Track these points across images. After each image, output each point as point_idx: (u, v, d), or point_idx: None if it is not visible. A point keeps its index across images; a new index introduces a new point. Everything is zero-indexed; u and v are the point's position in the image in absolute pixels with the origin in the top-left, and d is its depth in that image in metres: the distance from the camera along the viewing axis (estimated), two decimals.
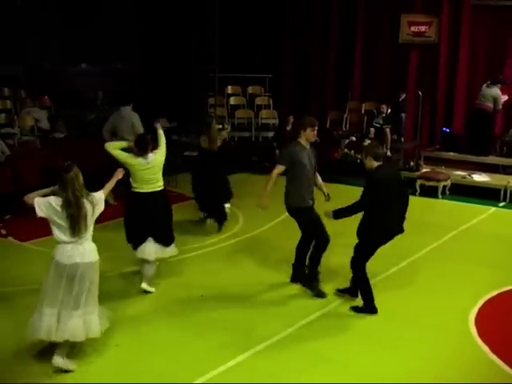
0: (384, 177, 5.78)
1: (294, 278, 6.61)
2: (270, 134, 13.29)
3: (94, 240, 4.98)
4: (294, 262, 6.62)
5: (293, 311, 5.99)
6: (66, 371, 4.77)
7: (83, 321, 4.82)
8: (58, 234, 4.76)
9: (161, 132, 6.74)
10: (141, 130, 9.07)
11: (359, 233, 5.88)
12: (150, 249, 6.35)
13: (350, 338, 5.50)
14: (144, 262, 6.40)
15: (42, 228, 8.28)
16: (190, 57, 13.30)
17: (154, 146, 6.51)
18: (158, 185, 6.44)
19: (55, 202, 4.70)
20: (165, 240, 6.45)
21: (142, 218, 6.32)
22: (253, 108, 14.05)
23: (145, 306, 6.09)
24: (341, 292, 6.31)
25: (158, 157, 6.44)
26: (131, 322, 5.71)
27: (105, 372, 4.84)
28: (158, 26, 13.95)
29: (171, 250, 6.58)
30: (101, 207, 4.93)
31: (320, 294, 6.28)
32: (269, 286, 6.56)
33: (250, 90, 14.49)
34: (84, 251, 4.82)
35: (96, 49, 13.35)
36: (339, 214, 5.91)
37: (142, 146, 6.33)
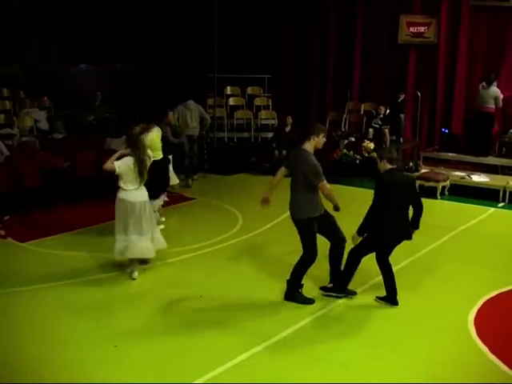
0: (391, 180, 5.84)
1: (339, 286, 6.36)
2: (270, 135, 13.29)
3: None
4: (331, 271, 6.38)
5: (292, 311, 5.98)
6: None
7: (151, 241, 6.68)
8: (128, 183, 6.50)
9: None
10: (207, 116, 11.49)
11: (370, 230, 5.98)
12: None
13: (349, 338, 5.49)
14: None
15: (41, 228, 8.34)
16: (188, 57, 13.28)
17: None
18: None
19: (130, 161, 6.44)
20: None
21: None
22: (252, 109, 14.06)
23: (144, 306, 6.07)
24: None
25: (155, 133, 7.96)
26: (130, 323, 5.70)
27: (105, 372, 4.83)
28: (156, 27, 13.93)
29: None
30: (151, 161, 6.71)
31: (307, 301, 6.16)
32: (268, 287, 6.54)
33: (249, 90, 14.49)
34: (143, 193, 6.63)
35: (95, 49, 13.33)
36: (362, 231, 6.00)
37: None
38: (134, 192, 6.55)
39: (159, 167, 7.69)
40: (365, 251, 6.09)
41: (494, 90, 11.41)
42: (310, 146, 6.01)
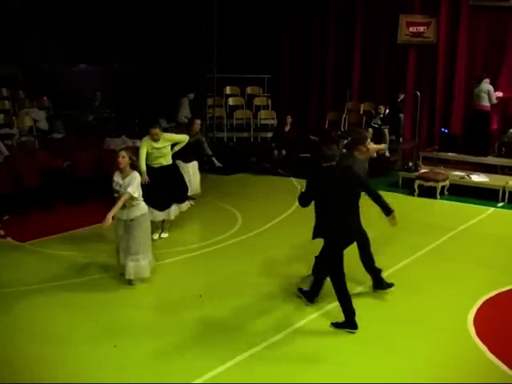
0: (323, 178, 5.59)
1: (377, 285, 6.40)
2: (269, 135, 13.29)
3: None
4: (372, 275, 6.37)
5: (292, 311, 5.97)
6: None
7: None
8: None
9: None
10: None
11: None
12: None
13: (349, 338, 5.48)
14: None
15: (41, 228, 8.33)
16: (188, 57, 13.28)
17: None
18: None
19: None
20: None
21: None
22: (251, 108, 14.06)
23: (143, 306, 6.08)
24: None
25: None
26: (130, 323, 5.70)
27: (104, 372, 4.82)
28: (156, 27, 13.94)
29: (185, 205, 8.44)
30: None
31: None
32: (268, 287, 6.54)
33: (249, 90, 14.50)
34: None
35: (94, 49, 13.34)
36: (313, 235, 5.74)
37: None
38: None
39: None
40: (333, 263, 5.67)
41: (485, 86, 11.42)
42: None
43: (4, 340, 5.30)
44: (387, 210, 5.76)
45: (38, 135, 11.51)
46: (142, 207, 6.36)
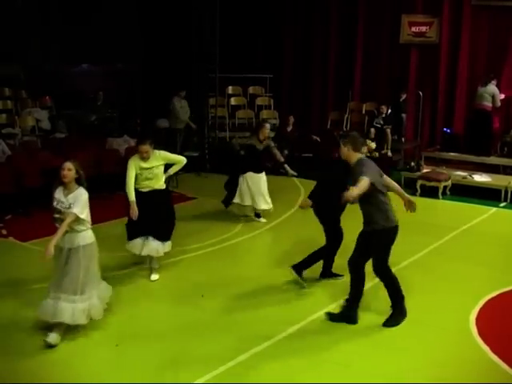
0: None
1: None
2: (271, 135, 13.26)
3: None
4: None
5: (293, 311, 5.97)
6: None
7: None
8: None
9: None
10: None
11: None
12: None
13: (350, 338, 5.47)
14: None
15: (43, 228, 8.33)
16: (190, 57, 13.28)
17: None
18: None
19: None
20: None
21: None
22: (253, 108, 14.05)
23: (145, 306, 6.07)
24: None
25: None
26: (131, 322, 5.70)
27: (105, 372, 4.83)
28: (158, 27, 13.94)
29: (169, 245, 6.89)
30: None
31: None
32: (269, 287, 6.54)
33: (251, 90, 14.49)
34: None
35: (97, 49, 13.34)
36: None
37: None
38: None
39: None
40: None
41: (492, 88, 11.40)
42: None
43: (4, 340, 5.30)
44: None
45: (41, 135, 11.51)
46: (89, 236, 5.28)
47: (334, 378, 4.80)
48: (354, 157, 5.57)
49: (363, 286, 5.80)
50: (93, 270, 5.37)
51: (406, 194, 5.94)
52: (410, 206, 5.84)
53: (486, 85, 11.43)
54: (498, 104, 11.44)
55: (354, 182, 5.27)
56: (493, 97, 11.34)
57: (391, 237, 5.57)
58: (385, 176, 5.80)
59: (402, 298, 5.80)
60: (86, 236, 5.26)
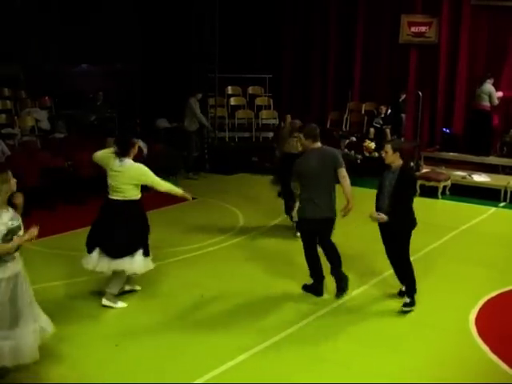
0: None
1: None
2: (271, 135, 13.27)
3: None
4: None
5: (294, 311, 5.97)
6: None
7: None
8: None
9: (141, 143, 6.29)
10: None
11: None
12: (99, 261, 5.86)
13: (350, 338, 5.48)
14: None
15: (41, 228, 8.31)
16: (190, 57, 13.28)
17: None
18: (124, 195, 5.79)
19: None
20: (114, 252, 5.80)
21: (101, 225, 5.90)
22: (253, 108, 14.03)
23: (144, 306, 6.07)
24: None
25: (133, 169, 5.74)
26: (130, 322, 5.70)
27: (105, 372, 4.83)
28: (158, 27, 13.93)
29: (121, 263, 5.82)
30: None
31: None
32: (269, 286, 6.54)
33: (250, 90, 14.48)
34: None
35: (96, 49, 13.33)
36: None
37: (121, 147, 5.76)
38: None
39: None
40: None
41: (487, 87, 11.39)
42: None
43: None
44: None
45: (40, 135, 11.50)
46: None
47: (334, 378, 4.79)
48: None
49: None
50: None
51: None
52: None
53: (482, 84, 11.44)
54: (496, 102, 11.43)
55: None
56: (489, 96, 11.34)
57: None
58: None
59: None
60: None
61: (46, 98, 12.62)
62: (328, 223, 6.15)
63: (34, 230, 4.51)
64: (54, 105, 12.65)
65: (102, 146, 10.44)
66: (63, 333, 5.37)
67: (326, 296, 6.30)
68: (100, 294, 6.16)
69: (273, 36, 14.71)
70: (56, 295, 6.24)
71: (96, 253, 5.86)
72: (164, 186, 5.89)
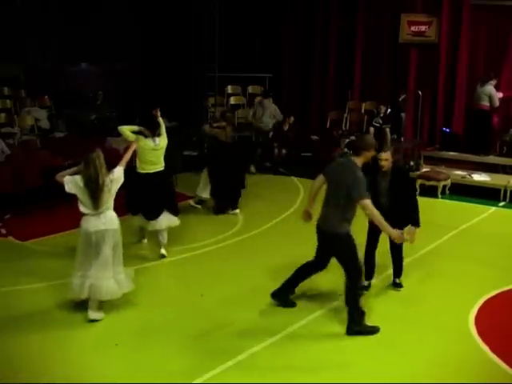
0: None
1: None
2: (270, 134, 13.25)
3: None
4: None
5: (292, 311, 5.96)
6: (98, 320, 5.57)
7: (114, 280, 5.62)
8: (82, 207, 5.54)
9: (161, 120, 7.30)
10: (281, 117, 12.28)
11: None
12: (163, 221, 7.19)
13: (350, 338, 5.46)
14: (158, 232, 7.21)
15: (42, 227, 8.32)
16: (189, 56, 13.27)
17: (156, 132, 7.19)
18: (161, 165, 7.21)
19: (79, 179, 5.45)
20: (174, 210, 7.31)
21: (151, 195, 7.04)
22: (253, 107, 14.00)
23: (144, 305, 6.05)
24: None
25: (162, 141, 7.16)
26: (130, 321, 5.69)
27: (105, 370, 4.82)
28: (157, 26, 13.91)
29: (176, 220, 7.38)
30: (119, 181, 5.66)
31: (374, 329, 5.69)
32: (268, 286, 6.47)
33: (250, 89, 14.46)
34: (106, 220, 5.54)
35: (96, 48, 13.32)
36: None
37: (152, 128, 7.05)
38: (92, 219, 5.54)
39: (148, 182, 7.17)
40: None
41: (488, 88, 11.37)
42: (359, 161, 5.46)
43: (4, 339, 5.29)
44: None
45: (40, 134, 11.49)
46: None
47: (334, 379, 4.79)
48: None
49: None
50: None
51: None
52: None
53: (483, 85, 11.41)
54: (496, 104, 11.41)
55: None
56: (490, 97, 11.33)
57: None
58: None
59: None
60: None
61: (46, 97, 12.60)
62: None
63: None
64: (54, 104, 12.64)
65: (102, 146, 10.54)
66: (62, 332, 5.42)
67: (324, 295, 6.28)
68: None
69: (273, 35, 14.68)
70: (56, 295, 6.19)
71: (163, 215, 7.18)
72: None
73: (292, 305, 6.04)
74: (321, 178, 5.75)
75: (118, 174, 5.68)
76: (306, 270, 6.00)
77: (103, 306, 5.72)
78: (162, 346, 5.22)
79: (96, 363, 4.95)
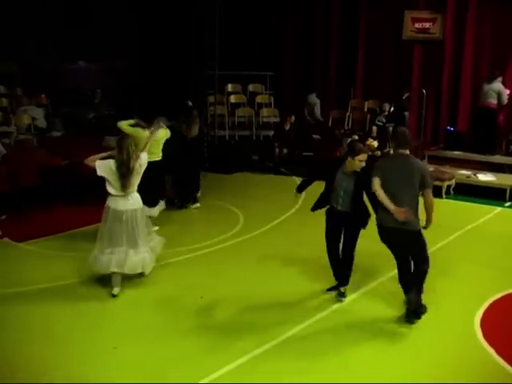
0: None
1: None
2: (271, 133, 13.16)
3: None
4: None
5: (295, 313, 5.89)
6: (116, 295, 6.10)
7: (140, 258, 6.16)
8: (111, 189, 6.04)
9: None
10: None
11: None
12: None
13: (351, 338, 5.41)
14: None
15: (38, 228, 8.25)
16: (189, 54, 13.18)
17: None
18: (158, 155, 7.88)
19: (113, 164, 5.97)
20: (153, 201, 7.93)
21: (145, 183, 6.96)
22: (253, 106, 13.94)
23: (144, 307, 6.00)
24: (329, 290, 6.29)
25: (162, 132, 7.82)
26: (130, 324, 5.63)
27: (104, 374, 4.75)
28: (157, 24, 13.86)
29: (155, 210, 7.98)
30: (144, 166, 6.18)
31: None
32: (269, 287, 6.46)
33: (251, 87, 14.40)
34: (133, 201, 6.12)
35: (94, 46, 13.24)
36: None
37: (149, 120, 7.58)
38: (120, 199, 6.08)
39: (154, 170, 7.33)
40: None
41: (497, 85, 11.25)
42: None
43: (3, 340, 5.25)
44: None
45: (36, 133, 11.43)
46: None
47: (335, 379, 4.75)
48: None
49: None
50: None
51: None
52: None
53: (491, 82, 11.28)
54: (505, 101, 11.29)
55: None
56: (498, 94, 11.20)
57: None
58: None
59: None
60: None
61: (43, 95, 12.55)
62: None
63: None
64: (51, 102, 12.56)
65: (100, 145, 10.43)
66: (61, 334, 5.39)
67: (325, 297, 6.22)
68: (100, 295, 6.12)
69: (274, 33, 14.60)
70: (53, 296, 6.14)
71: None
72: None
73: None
74: (378, 181, 5.55)
75: (144, 159, 6.20)
76: (409, 278, 5.80)
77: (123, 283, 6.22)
78: (162, 349, 5.15)
79: (95, 364, 4.89)
